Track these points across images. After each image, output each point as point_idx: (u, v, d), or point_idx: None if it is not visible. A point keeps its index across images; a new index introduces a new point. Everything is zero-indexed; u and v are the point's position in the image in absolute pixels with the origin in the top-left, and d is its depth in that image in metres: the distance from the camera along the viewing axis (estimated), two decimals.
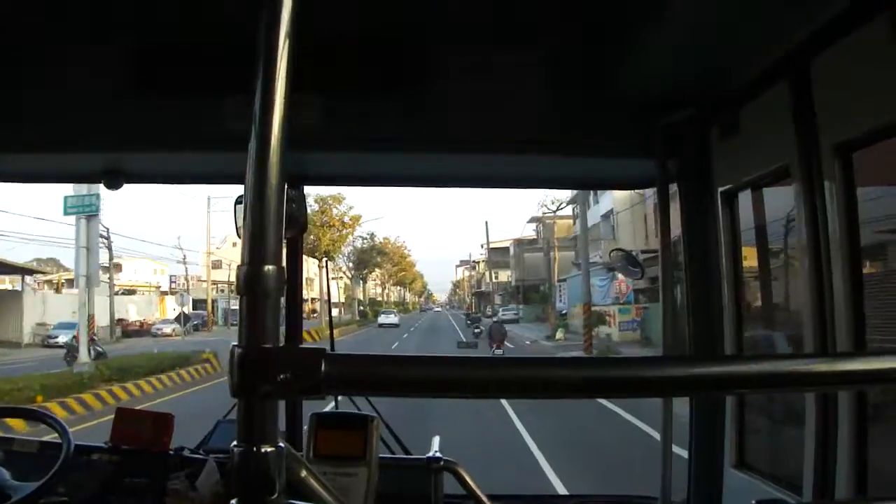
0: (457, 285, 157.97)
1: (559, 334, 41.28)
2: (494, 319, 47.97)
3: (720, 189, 2.97)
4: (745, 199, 2.96)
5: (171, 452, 3.22)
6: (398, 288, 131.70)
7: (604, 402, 16.18)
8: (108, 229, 45.75)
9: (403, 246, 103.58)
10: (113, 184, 3.34)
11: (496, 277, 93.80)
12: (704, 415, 3.06)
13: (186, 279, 64.76)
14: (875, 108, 2.03)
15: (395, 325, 62.78)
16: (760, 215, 2.98)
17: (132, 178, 3.44)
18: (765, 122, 2.59)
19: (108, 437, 3.26)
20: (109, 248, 47.13)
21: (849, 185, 2.24)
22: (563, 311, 49.22)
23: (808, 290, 2.38)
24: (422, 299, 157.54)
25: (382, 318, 68.02)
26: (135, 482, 3.09)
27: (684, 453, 3.12)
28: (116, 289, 63.51)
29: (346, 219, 60.36)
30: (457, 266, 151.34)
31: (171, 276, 68.72)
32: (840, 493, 2.24)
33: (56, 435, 3.10)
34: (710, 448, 3.04)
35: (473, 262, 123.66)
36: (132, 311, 58.68)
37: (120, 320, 51.39)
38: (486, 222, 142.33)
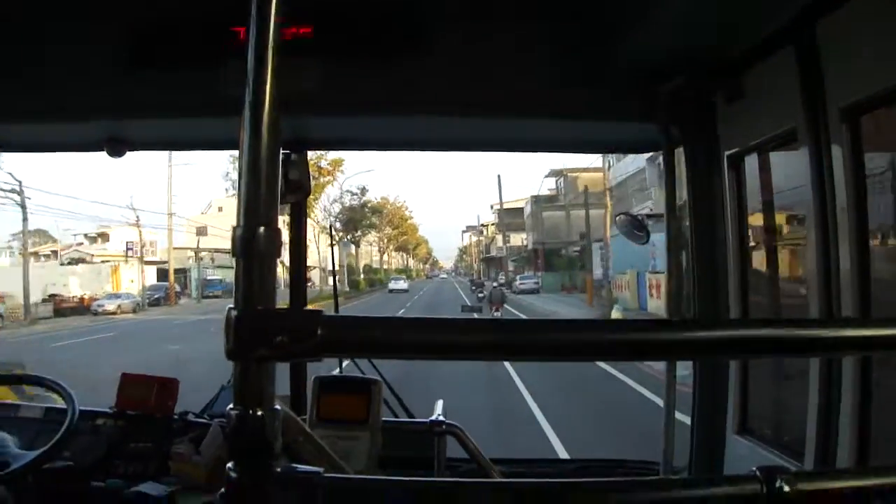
0: (463, 251, 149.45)
1: (615, 314, 28.19)
2: (494, 285, 45.00)
3: (726, 153, 2.95)
4: (751, 162, 2.93)
5: (176, 417, 3.24)
6: (400, 254, 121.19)
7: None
8: (20, 182, 37.20)
9: (404, 206, 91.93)
10: (115, 152, 3.33)
11: (508, 241, 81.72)
12: (707, 380, 3.06)
13: (140, 245, 52.82)
14: (883, 71, 2.00)
15: (405, 290, 65.31)
16: (767, 179, 2.96)
17: (134, 146, 3.44)
18: (771, 86, 2.56)
19: (113, 402, 3.28)
20: (23, 207, 37.74)
21: (856, 148, 2.22)
22: (609, 281, 36.78)
23: (814, 255, 2.36)
24: (427, 266, 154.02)
25: (392, 284, 70.61)
26: (139, 446, 3.11)
27: (686, 419, 3.13)
28: (96, 259, 56.26)
29: (324, 163, 48.20)
30: (463, 231, 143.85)
31: (127, 243, 55.06)
32: (842, 461, 2.24)
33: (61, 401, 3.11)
34: (712, 414, 3.04)
35: (482, 225, 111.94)
36: (73, 284, 48.42)
37: (52, 296, 43.27)
38: (499, 176, 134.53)
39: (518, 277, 57.24)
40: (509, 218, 76.48)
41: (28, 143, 3.65)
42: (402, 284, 70.32)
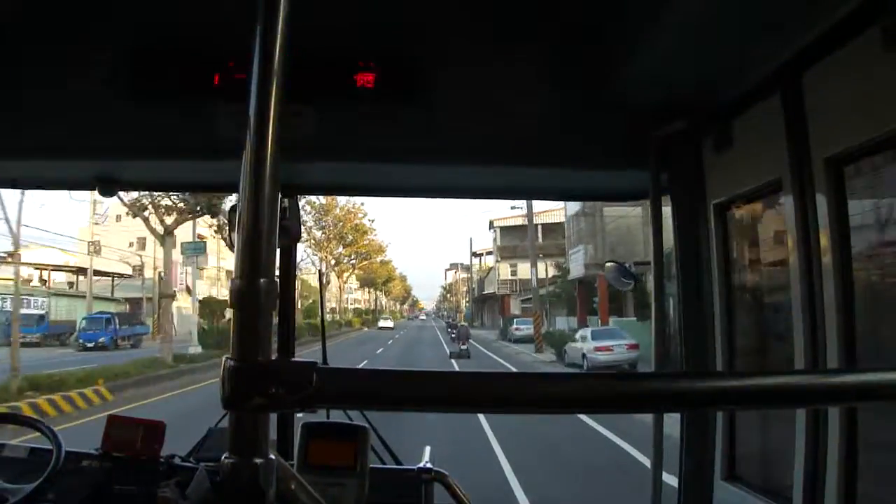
0: (448, 290, 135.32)
1: None
2: (462, 324, 44.75)
3: (713, 202, 2.98)
4: (737, 212, 2.97)
5: (162, 460, 3.21)
6: (367, 291, 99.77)
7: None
8: None
9: (358, 210, 55.03)
10: (107, 191, 3.34)
11: (513, 274, 58.23)
12: (695, 427, 3.06)
13: None
14: (867, 122, 2.05)
15: (391, 328, 73.14)
16: (752, 228, 2.99)
17: (126, 186, 3.46)
18: (757, 135, 2.61)
19: (99, 444, 3.25)
20: None
21: (840, 198, 2.25)
22: None
23: (799, 304, 2.39)
24: (405, 307, 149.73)
25: (381, 323, 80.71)
26: (125, 489, 3.08)
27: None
28: None
29: None
30: (446, 270, 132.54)
31: None
32: None
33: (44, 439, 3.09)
34: (700, 460, 3.04)
35: (474, 254, 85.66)
36: None
37: None
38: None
39: (588, 333, 30.32)
40: (517, 239, 55.31)
41: (19, 180, 3.67)
42: (389, 323, 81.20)
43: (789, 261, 2.50)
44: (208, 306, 42.70)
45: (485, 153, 2.97)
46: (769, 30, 2.17)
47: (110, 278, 53.51)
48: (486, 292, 76.75)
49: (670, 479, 3.07)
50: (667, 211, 3.05)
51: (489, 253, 79.20)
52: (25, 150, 2.94)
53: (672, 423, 3.07)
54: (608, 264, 3.84)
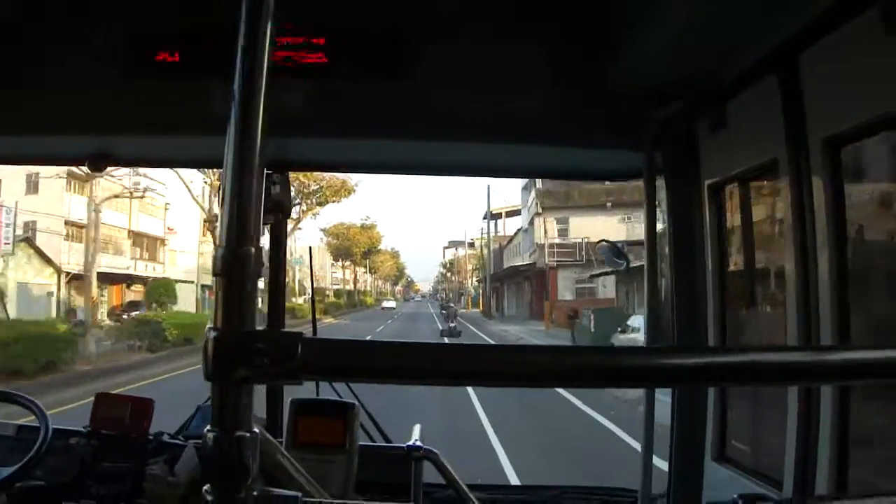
0: (447, 267, 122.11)
1: None
2: (451, 305, 51.09)
3: (707, 182, 2.97)
4: (732, 192, 2.95)
5: (151, 437, 3.20)
6: (343, 265, 79.29)
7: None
8: None
9: None
10: (97, 167, 3.32)
11: (562, 234, 40.37)
12: (686, 407, 3.06)
13: None
14: (863, 103, 2.03)
15: (393, 308, 79.13)
16: (746, 209, 2.98)
17: (119, 162, 3.43)
18: (753, 117, 2.59)
19: (88, 422, 3.24)
20: None
21: (836, 179, 2.24)
22: None
23: (793, 284, 2.38)
24: (398, 287, 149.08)
25: (385, 304, 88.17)
26: (113, 467, 3.07)
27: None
28: None
29: None
30: (444, 248, 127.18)
31: None
32: (820, 489, 2.24)
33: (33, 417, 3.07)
34: (691, 441, 3.04)
35: (493, 214, 62.30)
36: None
37: None
38: None
39: None
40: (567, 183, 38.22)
41: (10, 156, 3.65)
42: (391, 304, 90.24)
43: (784, 241, 2.49)
44: None
45: (475, 130, 2.95)
46: (766, 10, 2.14)
47: None
48: (512, 265, 54.27)
49: (661, 462, 3.07)
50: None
51: (512, 213, 60.57)
52: (18, 126, 2.92)
53: (662, 407, 3.07)
54: (600, 244, 3.84)
